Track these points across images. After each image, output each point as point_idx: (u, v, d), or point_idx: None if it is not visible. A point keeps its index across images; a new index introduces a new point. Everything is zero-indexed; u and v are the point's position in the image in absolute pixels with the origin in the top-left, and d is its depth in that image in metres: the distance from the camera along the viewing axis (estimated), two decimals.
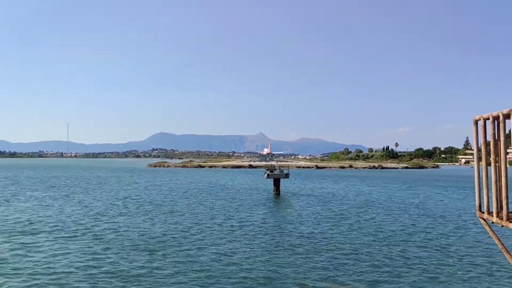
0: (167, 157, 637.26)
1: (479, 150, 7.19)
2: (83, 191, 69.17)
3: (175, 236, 30.68)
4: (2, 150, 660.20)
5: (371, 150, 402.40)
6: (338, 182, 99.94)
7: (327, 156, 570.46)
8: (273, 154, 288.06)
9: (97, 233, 31.72)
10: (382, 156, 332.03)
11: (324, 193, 68.06)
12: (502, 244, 7.44)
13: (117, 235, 30.78)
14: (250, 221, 38.00)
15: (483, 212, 7.22)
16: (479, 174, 7.15)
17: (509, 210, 7.15)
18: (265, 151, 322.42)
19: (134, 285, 19.34)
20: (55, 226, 34.63)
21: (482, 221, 7.31)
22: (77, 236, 30.41)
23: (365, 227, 35.79)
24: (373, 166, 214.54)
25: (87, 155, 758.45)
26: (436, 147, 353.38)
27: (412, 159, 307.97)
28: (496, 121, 6.79)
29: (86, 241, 28.90)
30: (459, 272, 22.03)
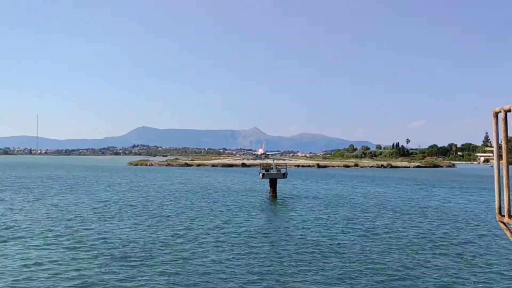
0: (149, 155, 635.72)
1: (499, 146, 7.19)
2: (58, 193, 68.82)
3: (161, 244, 30.62)
4: None
5: (379, 147, 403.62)
6: (342, 182, 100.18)
7: (329, 153, 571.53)
8: (267, 155, 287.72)
9: (76, 240, 31.61)
10: (391, 154, 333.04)
11: (327, 195, 68.25)
12: None
13: (97, 243, 30.67)
14: (243, 228, 37.97)
15: (504, 216, 7.25)
16: (499, 173, 7.13)
17: None
18: (260, 151, 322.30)
19: None
20: (25, 233, 34.44)
21: (502, 225, 7.34)
22: (52, 244, 30.22)
23: (377, 233, 35.91)
24: (382, 165, 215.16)
25: (59, 152, 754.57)
26: (452, 144, 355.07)
27: (425, 157, 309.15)
28: None
29: (62, 249, 28.73)
30: (481, 285, 22.16)
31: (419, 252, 28.96)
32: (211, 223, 40.00)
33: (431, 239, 33.73)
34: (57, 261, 25.73)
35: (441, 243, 32.22)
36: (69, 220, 41.10)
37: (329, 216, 45.21)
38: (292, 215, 45.84)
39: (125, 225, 38.52)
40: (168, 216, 44.44)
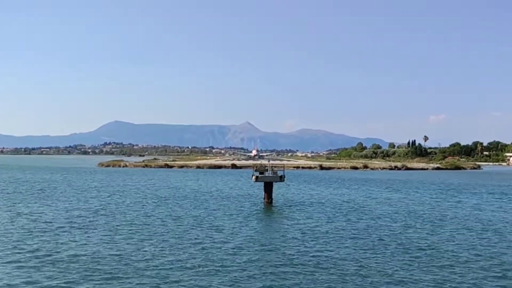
0: (123, 154, 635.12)
1: None
2: (24, 199, 68.20)
3: (136, 260, 30.28)
4: None
5: (392, 145, 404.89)
6: (350, 187, 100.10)
7: (334, 153, 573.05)
8: (261, 156, 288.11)
9: (47, 254, 31.27)
10: (406, 154, 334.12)
11: (333, 202, 67.99)
12: None
13: (71, 259, 30.35)
14: (232, 241, 37.64)
15: None
16: None
17: None
18: (253, 153, 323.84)
19: None
20: None
21: None
22: (21, 261, 29.86)
23: (400, 249, 34.95)
24: (395, 167, 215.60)
25: (17, 151, 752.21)
26: (477, 142, 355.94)
27: (446, 157, 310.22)
28: None
29: (33, 266, 28.37)
30: None
31: (466, 274, 28.27)
32: (193, 235, 39.65)
33: (469, 256, 33.06)
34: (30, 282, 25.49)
35: (486, 262, 31.39)
36: (33, 232, 40.59)
37: (335, 228, 44.61)
38: (290, 226, 45.45)
39: (98, 238, 38.20)
40: (142, 226, 44.00)
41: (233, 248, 34.68)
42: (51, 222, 45.78)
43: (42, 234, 39.58)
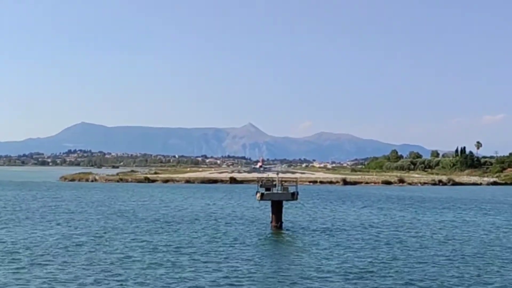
0: (92, 165, 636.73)
1: None
2: None
3: None
4: None
5: (435, 153, 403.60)
6: (384, 208, 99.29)
7: (361, 163, 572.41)
8: (265, 168, 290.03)
9: None
10: (454, 164, 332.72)
11: (361, 228, 67.31)
12: None
13: None
14: (232, 279, 37.37)
15: None
16: None
17: None
18: (258, 164, 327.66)
19: None
20: None
21: None
22: None
23: None
24: (439, 181, 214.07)
25: None
26: None
27: (504, 168, 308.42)
28: None
29: None
30: None
31: None
32: (182, 269, 39.64)
33: None
34: None
35: None
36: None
37: (368, 263, 43.72)
38: (304, 258, 45.09)
39: (68, 271, 38.33)
40: (116, 258, 43.83)
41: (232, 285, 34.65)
42: None
43: None
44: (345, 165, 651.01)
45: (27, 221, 70.91)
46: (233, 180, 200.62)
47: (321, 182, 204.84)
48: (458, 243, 55.06)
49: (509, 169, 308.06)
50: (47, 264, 41.47)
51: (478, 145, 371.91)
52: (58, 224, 67.54)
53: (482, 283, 37.15)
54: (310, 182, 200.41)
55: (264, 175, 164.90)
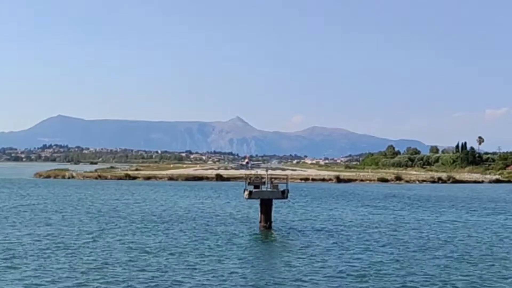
0: (69, 161, 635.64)
1: None
2: None
3: None
4: None
5: (434, 149, 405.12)
6: (380, 206, 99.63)
7: (356, 159, 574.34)
8: (253, 164, 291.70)
9: None
10: (454, 161, 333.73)
11: (356, 229, 67.26)
12: None
13: None
14: (215, 283, 37.25)
15: None
16: None
17: None
18: (245, 161, 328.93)
19: None
20: None
21: None
22: None
23: None
24: (439, 179, 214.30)
25: None
26: None
27: (508, 165, 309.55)
28: None
29: None
30: None
31: None
32: (166, 273, 39.54)
33: None
34: None
35: None
36: None
37: (364, 266, 43.60)
38: (294, 261, 44.97)
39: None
40: (99, 261, 43.75)
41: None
42: None
43: None
44: (338, 161, 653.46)
45: None
46: (219, 177, 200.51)
47: (313, 179, 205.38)
48: (461, 244, 55.09)
49: None
50: (22, 268, 41.31)
51: (480, 140, 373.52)
52: (36, 225, 67.16)
53: (487, 287, 37.12)
54: (301, 179, 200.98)
55: (253, 172, 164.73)
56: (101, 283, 36.80)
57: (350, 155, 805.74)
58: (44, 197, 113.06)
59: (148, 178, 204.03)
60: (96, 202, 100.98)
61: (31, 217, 75.65)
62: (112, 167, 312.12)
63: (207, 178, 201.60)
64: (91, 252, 48.31)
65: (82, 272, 39.63)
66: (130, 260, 44.53)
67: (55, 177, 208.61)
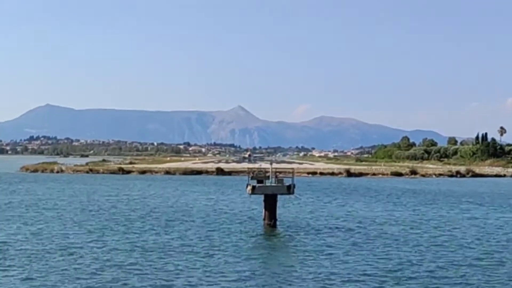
0: (58, 153, 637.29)
1: None
2: None
3: None
4: None
5: (452, 141, 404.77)
6: (394, 203, 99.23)
7: (368, 151, 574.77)
8: (255, 158, 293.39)
9: None
10: (474, 153, 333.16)
11: (370, 227, 66.70)
12: None
13: None
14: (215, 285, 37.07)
15: None
16: None
17: None
18: (247, 154, 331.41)
19: None
20: None
21: None
22: None
23: None
24: (457, 172, 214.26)
25: None
26: None
27: None
28: None
29: None
30: None
31: None
32: (166, 273, 39.65)
33: None
34: None
35: None
36: None
37: (380, 268, 42.84)
38: (301, 262, 44.52)
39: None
40: (96, 263, 43.54)
41: None
42: None
43: None
44: (349, 154, 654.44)
45: None
46: (220, 171, 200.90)
47: (321, 173, 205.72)
48: (495, 243, 54.62)
49: None
50: (10, 270, 41.09)
51: (502, 131, 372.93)
52: (24, 223, 66.97)
53: None
54: (308, 173, 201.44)
55: (256, 165, 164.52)
56: (101, 283, 36.77)
57: (361, 147, 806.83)
58: (32, 192, 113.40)
59: (143, 172, 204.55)
60: (91, 199, 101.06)
61: (19, 215, 75.20)
62: (104, 160, 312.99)
63: (207, 172, 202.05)
64: (91, 252, 48.22)
65: (77, 276, 39.26)
66: (130, 261, 44.50)
67: (42, 171, 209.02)
